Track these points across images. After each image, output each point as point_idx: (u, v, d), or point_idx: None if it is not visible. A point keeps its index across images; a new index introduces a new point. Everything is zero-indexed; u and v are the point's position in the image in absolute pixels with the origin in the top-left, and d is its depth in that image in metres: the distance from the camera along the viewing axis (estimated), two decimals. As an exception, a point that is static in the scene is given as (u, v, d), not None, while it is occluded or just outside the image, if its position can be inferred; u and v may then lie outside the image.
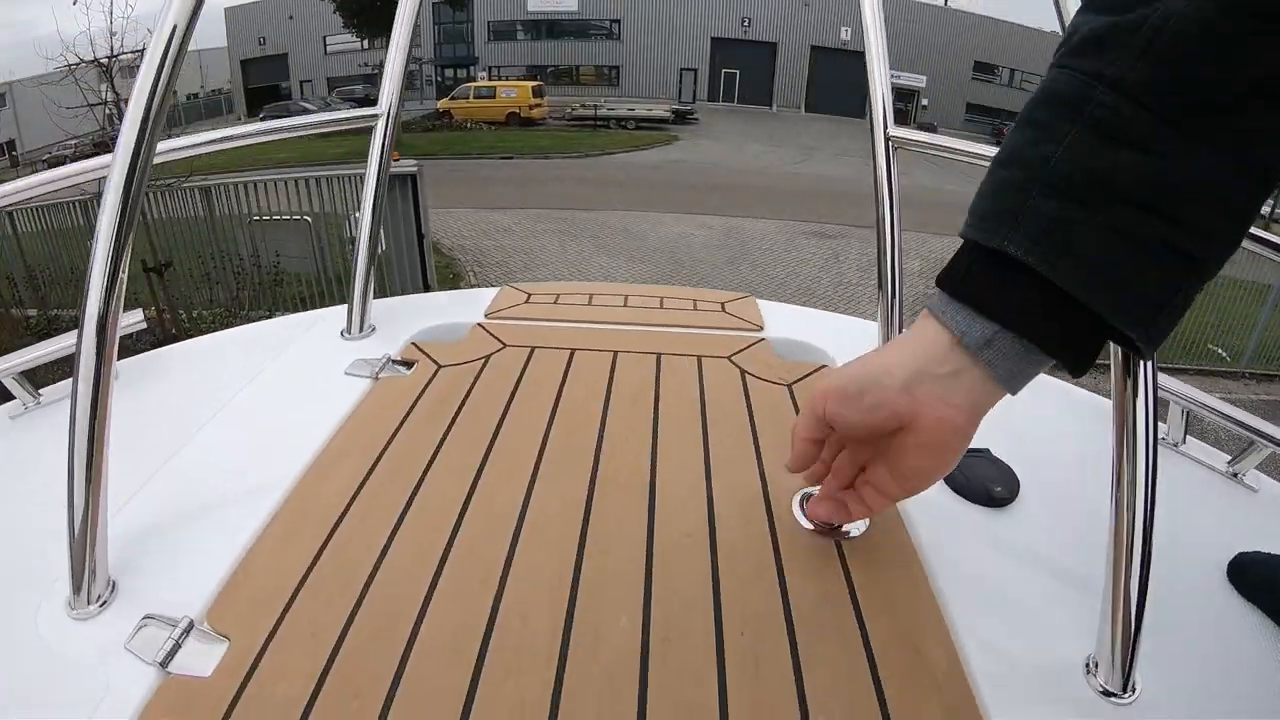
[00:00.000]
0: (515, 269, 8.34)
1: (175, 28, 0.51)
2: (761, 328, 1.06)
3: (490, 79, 28.58)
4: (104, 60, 6.85)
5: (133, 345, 0.93)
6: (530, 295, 1.16)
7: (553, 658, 0.50)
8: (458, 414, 0.81)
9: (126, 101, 0.52)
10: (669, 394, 0.86)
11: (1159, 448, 0.47)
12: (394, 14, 0.98)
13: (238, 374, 0.88)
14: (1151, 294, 0.37)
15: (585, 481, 0.69)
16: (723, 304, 1.15)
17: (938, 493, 0.68)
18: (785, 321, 1.09)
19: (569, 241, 9.55)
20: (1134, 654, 0.47)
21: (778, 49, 30.89)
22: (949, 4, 30.04)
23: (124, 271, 0.51)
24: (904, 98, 28.02)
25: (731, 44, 31.02)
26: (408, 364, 0.91)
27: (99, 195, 0.52)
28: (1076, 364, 0.40)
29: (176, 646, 0.49)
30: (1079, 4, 0.41)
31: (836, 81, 29.63)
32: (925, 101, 29.09)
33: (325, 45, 31.75)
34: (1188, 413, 0.78)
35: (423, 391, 0.85)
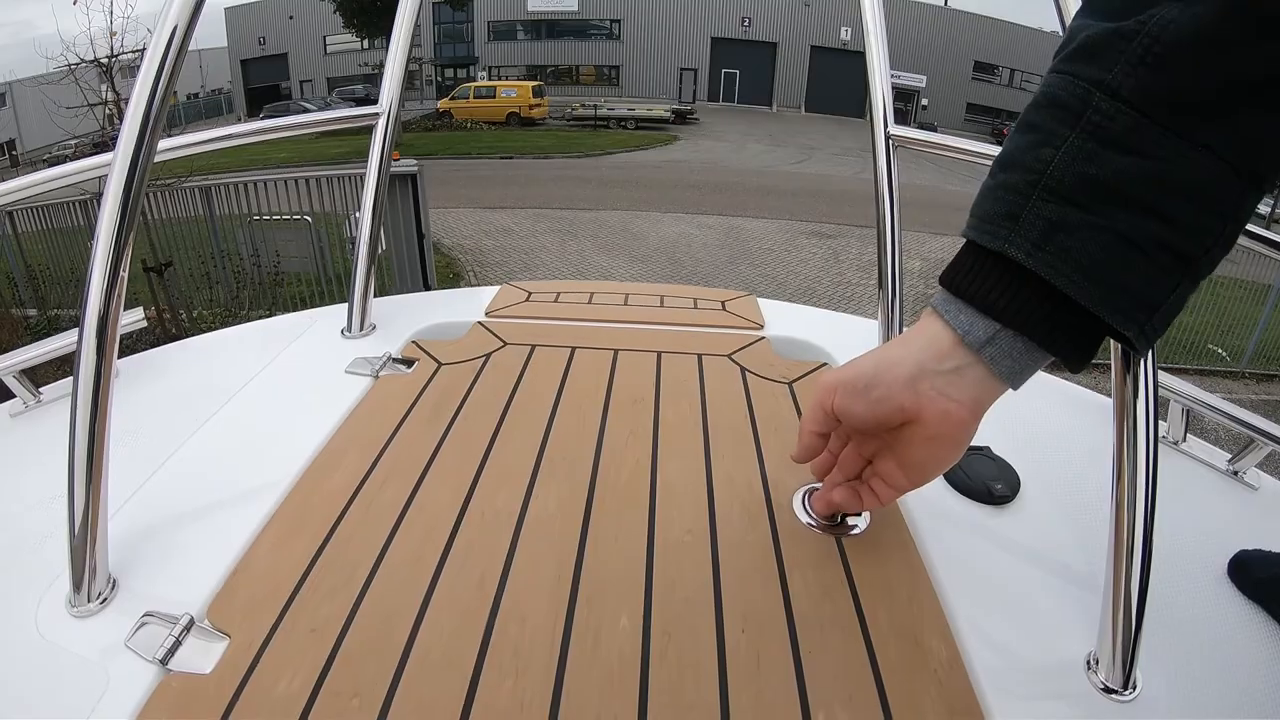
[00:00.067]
0: (515, 268, 8.34)
1: (175, 28, 0.51)
2: (762, 326, 1.06)
3: (490, 79, 28.59)
4: (104, 60, 6.85)
5: (133, 346, 0.93)
6: (531, 294, 1.16)
7: (553, 656, 0.50)
8: (458, 412, 0.81)
9: (126, 101, 0.52)
10: (669, 392, 0.86)
11: (1159, 446, 0.47)
12: (394, 14, 0.99)
13: (238, 372, 0.88)
14: (1148, 295, 0.38)
15: (585, 479, 0.69)
16: (723, 302, 1.15)
17: (938, 490, 0.68)
18: (786, 320, 1.09)
19: (569, 241, 9.55)
20: (1135, 651, 0.47)
21: (778, 49, 30.90)
22: (949, 4, 30.05)
23: (124, 270, 0.51)
24: (904, 97, 28.02)
25: (731, 44, 31.03)
26: (408, 362, 0.91)
27: (99, 195, 0.52)
28: (1076, 361, 0.41)
29: (177, 644, 0.49)
30: (1079, 5, 0.41)
31: (836, 81, 29.65)
32: (925, 101, 29.09)
33: (325, 45, 31.78)
34: (1188, 411, 0.78)
35: (423, 390, 0.85)
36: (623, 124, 23.58)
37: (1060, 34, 0.47)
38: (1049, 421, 0.82)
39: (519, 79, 28.01)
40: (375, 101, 0.98)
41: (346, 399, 0.82)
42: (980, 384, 0.44)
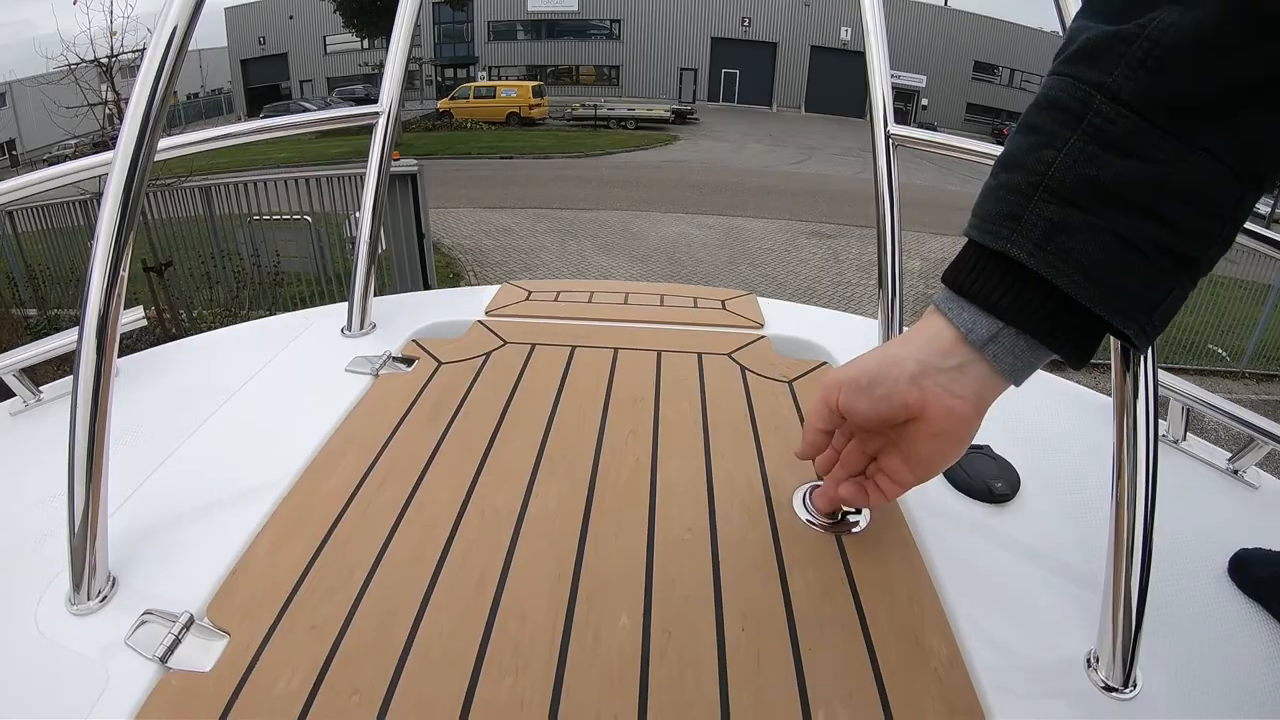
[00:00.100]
0: (515, 268, 8.34)
1: (175, 28, 0.51)
2: (762, 325, 1.06)
3: (490, 79, 28.59)
4: (104, 60, 6.84)
5: (133, 346, 0.93)
6: (531, 293, 1.16)
7: (553, 654, 0.50)
8: (458, 411, 0.81)
9: (126, 101, 0.52)
10: (669, 390, 0.86)
11: (1159, 445, 0.47)
12: (394, 14, 0.99)
13: (238, 371, 0.88)
14: (1148, 294, 0.39)
15: (585, 478, 0.69)
16: (723, 301, 1.15)
17: (938, 489, 0.68)
18: (785, 319, 1.09)
19: (569, 241, 9.55)
20: (1135, 649, 0.47)
21: (778, 49, 30.90)
22: (949, 4, 30.05)
23: (124, 269, 0.51)
24: (904, 97, 28.02)
25: (731, 44, 31.03)
26: (408, 361, 0.91)
27: (99, 195, 0.52)
28: (1077, 358, 0.42)
29: (176, 642, 0.49)
30: (1078, 6, 0.41)
31: (836, 81, 29.64)
32: (925, 101, 29.09)
33: (325, 45, 31.77)
34: (1188, 410, 0.78)
35: (423, 388, 0.85)
36: (623, 124, 23.58)
37: (1060, 34, 0.47)
38: (1049, 420, 0.82)
39: (519, 79, 28.01)
40: (375, 101, 0.98)
41: (346, 398, 0.82)
42: (983, 381, 0.45)
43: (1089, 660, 0.50)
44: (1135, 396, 0.46)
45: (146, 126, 0.50)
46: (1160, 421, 0.78)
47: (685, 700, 0.47)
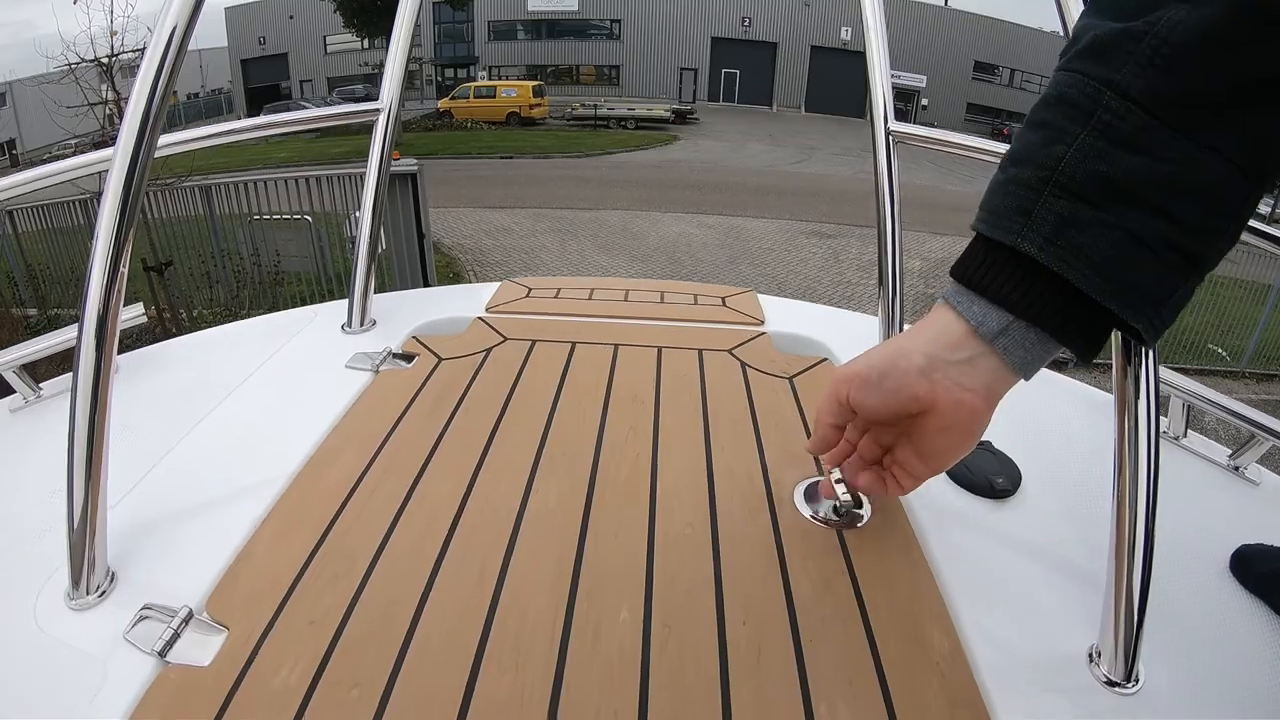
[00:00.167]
0: (515, 268, 8.34)
1: (175, 28, 0.51)
2: (762, 322, 1.06)
3: (490, 79, 28.59)
4: (104, 60, 6.84)
5: (132, 345, 0.93)
6: (531, 289, 1.16)
7: (553, 649, 0.50)
8: (458, 406, 0.80)
9: (126, 101, 0.52)
10: (670, 387, 0.86)
11: (1160, 441, 0.47)
12: (394, 14, 0.98)
13: (238, 367, 0.88)
14: (1156, 289, 0.39)
15: (586, 473, 0.69)
16: (723, 298, 1.15)
17: (940, 484, 0.68)
18: (786, 316, 1.09)
19: (569, 240, 9.55)
20: (1137, 644, 0.47)
21: (778, 49, 30.90)
22: (949, 4, 30.06)
23: (124, 266, 0.51)
24: (904, 97, 28.02)
25: (731, 44, 31.03)
26: (408, 357, 0.91)
27: (99, 194, 0.52)
28: (1086, 352, 0.42)
29: (175, 636, 0.49)
30: (1079, 6, 0.41)
31: (836, 81, 29.64)
32: (925, 101, 29.09)
33: (325, 45, 31.77)
34: (1189, 407, 0.78)
35: (423, 384, 0.85)
36: (623, 124, 23.57)
37: (1060, 35, 0.47)
38: (1051, 416, 0.82)
39: (519, 79, 28.01)
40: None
41: (347, 394, 0.82)
42: (993, 374, 0.45)
43: (1091, 655, 0.50)
44: (1136, 393, 0.46)
45: (146, 125, 0.50)
46: (1161, 418, 0.78)
47: (686, 695, 0.47)
